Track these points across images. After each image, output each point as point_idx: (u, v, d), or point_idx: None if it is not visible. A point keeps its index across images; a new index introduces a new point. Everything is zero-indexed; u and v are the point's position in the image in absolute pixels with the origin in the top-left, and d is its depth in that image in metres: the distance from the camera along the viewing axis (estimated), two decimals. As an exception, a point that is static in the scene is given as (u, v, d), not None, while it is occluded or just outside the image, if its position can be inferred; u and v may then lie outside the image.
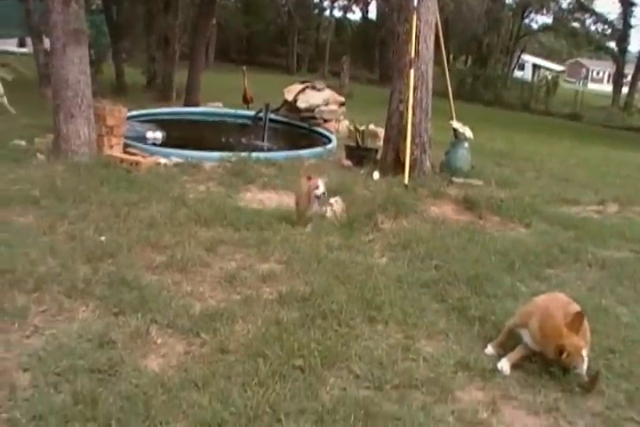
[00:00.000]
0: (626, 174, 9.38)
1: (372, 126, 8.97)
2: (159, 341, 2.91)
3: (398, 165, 6.70)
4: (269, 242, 4.32)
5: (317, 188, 4.68)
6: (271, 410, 2.43)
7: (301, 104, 9.78)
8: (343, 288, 3.64)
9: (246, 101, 10.97)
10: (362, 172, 6.89)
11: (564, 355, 2.78)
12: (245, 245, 4.27)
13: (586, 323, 2.96)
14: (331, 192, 5.65)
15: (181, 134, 8.84)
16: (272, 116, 9.48)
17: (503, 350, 3.05)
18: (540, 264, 4.45)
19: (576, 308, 2.96)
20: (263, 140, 8.82)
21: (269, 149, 8.31)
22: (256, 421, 2.37)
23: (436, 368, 2.89)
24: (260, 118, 9.28)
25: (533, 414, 2.66)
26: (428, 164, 6.94)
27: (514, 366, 2.95)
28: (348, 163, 7.45)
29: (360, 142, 7.85)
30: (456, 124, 7.40)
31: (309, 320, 3.19)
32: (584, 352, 2.80)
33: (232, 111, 10.63)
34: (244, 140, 8.88)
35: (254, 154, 7.02)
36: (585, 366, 2.83)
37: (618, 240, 5.26)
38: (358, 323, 3.25)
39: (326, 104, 9.89)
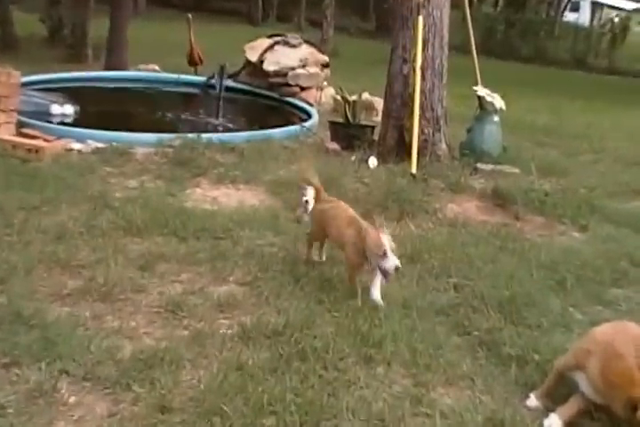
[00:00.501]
0: None
1: (366, 96, 9.01)
2: (72, 400, 2.86)
3: (403, 149, 6.75)
4: (228, 256, 4.33)
5: (304, 194, 5.00)
6: (232, 490, 2.42)
7: (269, 66, 9.78)
8: (329, 317, 3.65)
9: (193, 63, 10.96)
10: (353, 158, 6.92)
11: (636, 415, 2.75)
12: (194, 260, 4.27)
13: None
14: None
15: (102, 109, 8.81)
16: (229, 83, 9.47)
17: (551, 401, 3.06)
18: (601, 282, 4.51)
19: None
20: (217, 117, 8.83)
21: (226, 129, 8.30)
22: None
23: (458, 427, 2.89)
24: (213, 86, 9.28)
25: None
26: (443, 145, 6.99)
27: (567, 425, 2.95)
28: (334, 146, 7.47)
29: (350, 118, 7.87)
30: (482, 90, 7.44)
31: (284, 363, 3.18)
32: None
33: (173, 77, 10.60)
34: (190, 116, 8.85)
35: (205, 135, 7.00)
36: None
37: None
38: (351, 365, 3.25)
39: (303, 66, 9.91)
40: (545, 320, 3.82)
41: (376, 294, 3.90)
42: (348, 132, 7.66)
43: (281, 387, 2.98)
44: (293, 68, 9.81)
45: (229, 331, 3.48)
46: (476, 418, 2.95)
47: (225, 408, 2.80)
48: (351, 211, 4.27)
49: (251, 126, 8.28)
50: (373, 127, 7.74)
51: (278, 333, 3.45)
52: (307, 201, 5.01)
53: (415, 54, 6.69)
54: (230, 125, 8.58)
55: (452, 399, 3.11)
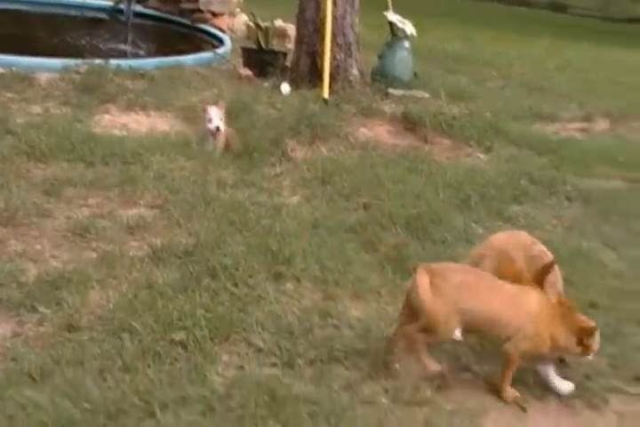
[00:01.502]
0: (622, 81, 9.82)
1: (279, 22, 8.81)
2: (-27, 322, 2.81)
3: (315, 74, 6.67)
4: (137, 180, 4.26)
5: (210, 121, 4.82)
6: (141, 402, 2.44)
7: (180, -8, 9.43)
8: (240, 237, 3.66)
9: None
10: (266, 84, 6.83)
11: None
12: (103, 185, 4.19)
13: (557, 271, 3.11)
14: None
15: (1, 33, 8.33)
16: (138, 8, 9.11)
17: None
18: (503, 200, 4.64)
19: (542, 249, 3.10)
20: (126, 43, 8.48)
21: (135, 55, 8.02)
22: (120, 417, 2.37)
23: (365, 336, 2.97)
24: (121, 11, 8.93)
25: (492, 390, 2.79)
26: (355, 71, 6.94)
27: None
28: (247, 72, 7.32)
29: (263, 44, 7.70)
30: (393, 16, 7.36)
31: (194, 281, 3.20)
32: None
33: (78, 1, 10.11)
34: (97, 42, 8.49)
35: (114, 61, 6.75)
36: None
37: (607, 166, 5.55)
38: (261, 281, 3.28)
39: (216, -9, 9.59)
40: (449, 235, 3.95)
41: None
42: (260, 59, 7.49)
43: (191, 304, 2.99)
44: (205, -6, 9.49)
45: (139, 252, 3.46)
46: (381, 327, 3.04)
47: (134, 325, 2.80)
48: None
49: (161, 53, 8.02)
50: (286, 53, 7.60)
51: (189, 253, 3.45)
52: (217, 127, 4.87)
53: (327, -20, 6.57)
54: (140, 52, 8.28)
55: (360, 311, 3.19)
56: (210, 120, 4.87)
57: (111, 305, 2.97)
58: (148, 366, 2.60)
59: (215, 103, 5.09)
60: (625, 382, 2.92)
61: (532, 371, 2.88)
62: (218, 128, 4.88)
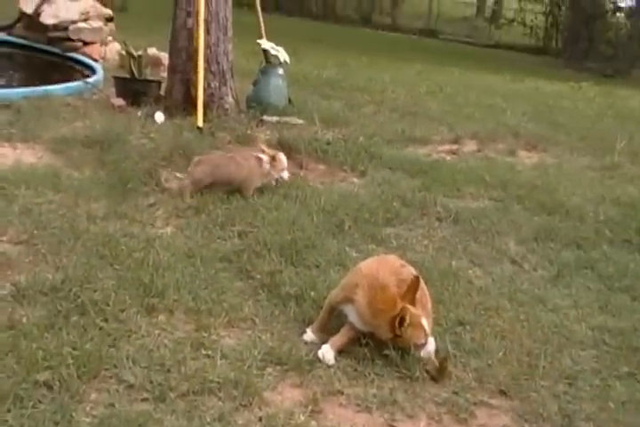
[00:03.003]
0: (489, 104, 10.26)
1: (153, 51, 8.79)
2: None
3: (189, 103, 6.67)
4: (1, 215, 4.12)
5: (283, 170, 5.07)
6: (2, 449, 2.33)
7: (48, 19, 9.12)
8: (111, 271, 3.60)
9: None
10: (140, 113, 6.75)
11: (401, 329, 2.98)
12: (-39, 222, 4.01)
13: (425, 290, 3.21)
14: (93, 142, 5.52)
15: None
16: (2, 36, 8.87)
17: (326, 334, 3.20)
18: (376, 223, 4.75)
19: (411, 272, 3.19)
20: (-11, 73, 8.23)
21: None
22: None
23: (238, 365, 2.96)
24: (-16, 39, 8.65)
25: (365, 411, 2.83)
26: (230, 99, 6.98)
27: (339, 353, 3.12)
28: (120, 102, 7.21)
29: (136, 73, 7.62)
30: (266, 44, 7.49)
31: (61, 318, 3.11)
32: (425, 325, 3.03)
33: None
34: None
35: (-24, 92, 6.53)
36: (431, 346, 3.08)
37: (475, 187, 5.78)
38: (132, 315, 3.23)
39: (85, 19, 9.38)
40: (322, 260, 3.99)
41: None
42: (133, 88, 7.41)
43: (57, 342, 2.90)
44: (74, 22, 9.24)
45: (1, 291, 3.32)
46: (255, 355, 3.04)
47: (-7, 367, 2.68)
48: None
49: (28, 83, 7.78)
50: (160, 82, 7.55)
51: (56, 289, 3.34)
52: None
53: (198, 8, 6.57)
54: (4, 82, 8.03)
55: (233, 340, 3.18)
56: (283, 169, 5.03)
57: (-35, 350, 2.82)
58: (8, 411, 2.49)
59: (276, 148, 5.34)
60: (490, 396, 3.03)
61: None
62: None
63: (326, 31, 22.11)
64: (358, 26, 26.89)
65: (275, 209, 4.69)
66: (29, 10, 9.21)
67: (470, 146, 7.26)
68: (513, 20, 29.65)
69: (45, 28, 9.13)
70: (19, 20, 9.41)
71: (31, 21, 9.22)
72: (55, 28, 9.14)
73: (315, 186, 5.36)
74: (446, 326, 3.48)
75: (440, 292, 3.78)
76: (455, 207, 5.22)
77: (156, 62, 8.59)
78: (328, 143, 6.08)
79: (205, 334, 3.17)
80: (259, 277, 3.76)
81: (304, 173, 5.66)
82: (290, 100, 7.45)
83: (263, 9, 8.21)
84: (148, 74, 7.85)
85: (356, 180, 5.69)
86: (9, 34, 9.25)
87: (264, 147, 5.09)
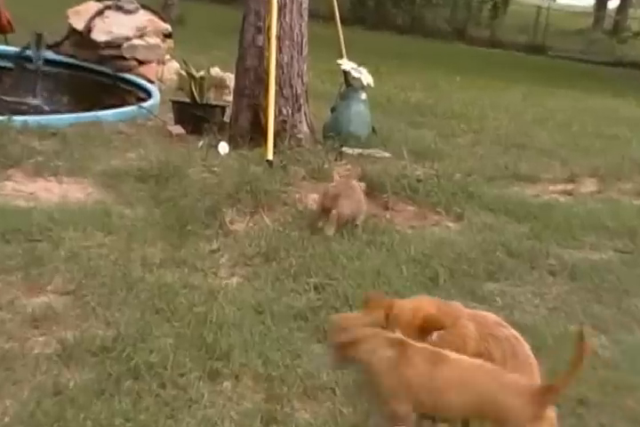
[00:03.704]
0: (611, 134, 10.13)
1: (216, 71, 9.00)
2: None
3: (258, 131, 6.81)
4: (45, 261, 4.24)
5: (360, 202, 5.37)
6: None
7: (99, 36, 9.52)
8: (168, 328, 3.65)
9: (1, 30, 10.49)
10: (200, 143, 6.92)
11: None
12: (3, 268, 4.14)
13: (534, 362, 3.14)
14: (147, 176, 5.66)
15: None
16: (49, 54, 9.22)
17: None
18: (476, 276, 4.73)
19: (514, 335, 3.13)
20: (35, 96, 8.58)
21: (45, 110, 8.08)
22: None
23: (317, 445, 2.98)
24: (30, 58, 9.00)
25: None
26: (304, 127, 7.12)
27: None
28: (178, 130, 7.45)
29: (197, 97, 7.86)
30: (347, 64, 7.64)
31: (112, 383, 3.16)
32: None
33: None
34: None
35: (19, 118, 6.80)
36: None
37: (595, 235, 5.69)
38: (193, 381, 3.26)
39: (141, 36, 9.76)
40: (413, 320, 3.98)
41: None
42: (194, 114, 7.65)
43: (108, 411, 2.95)
44: (129, 39, 9.60)
45: (46, 350, 3.40)
46: (336, 433, 3.05)
47: (37, 442, 2.76)
48: None
49: (77, 107, 8.10)
50: (224, 107, 7.75)
51: (107, 349, 3.41)
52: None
53: (270, 23, 6.72)
54: (50, 106, 8.37)
55: (310, 414, 3.18)
56: (360, 201, 5.30)
57: (7, 418, 2.90)
58: None
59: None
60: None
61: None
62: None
63: (414, 46, 22.25)
64: (451, 40, 26.97)
65: (357, 258, 4.72)
66: (79, 25, 9.60)
67: (589, 185, 7.18)
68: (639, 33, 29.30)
69: (97, 45, 9.50)
70: (67, 37, 9.80)
71: (81, 38, 9.61)
72: (107, 45, 9.51)
73: (403, 231, 5.38)
74: (566, 405, 3.37)
75: (556, 363, 3.70)
76: (571, 259, 5.16)
77: (220, 84, 8.80)
78: (418, 180, 6.10)
79: (277, 406, 3.18)
80: (339, 338, 3.77)
81: (390, 214, 5.69)
82: (373, 129, 7.53)
83: (342, 21, 8.39)
84: (211, 98, 8.08)
85: (451, 224, 5.69)
86: (57, 52, 9.60)
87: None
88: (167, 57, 10.09)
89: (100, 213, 5.07)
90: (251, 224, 5.19)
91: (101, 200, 5.43)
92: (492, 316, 3.30)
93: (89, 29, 9.57)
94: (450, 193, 6.05)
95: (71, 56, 9.74)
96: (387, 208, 5.78)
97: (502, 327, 3.17)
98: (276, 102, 6.73)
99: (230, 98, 7.80)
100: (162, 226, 5.02)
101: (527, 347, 3.08)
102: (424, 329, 3.02)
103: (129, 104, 8.24)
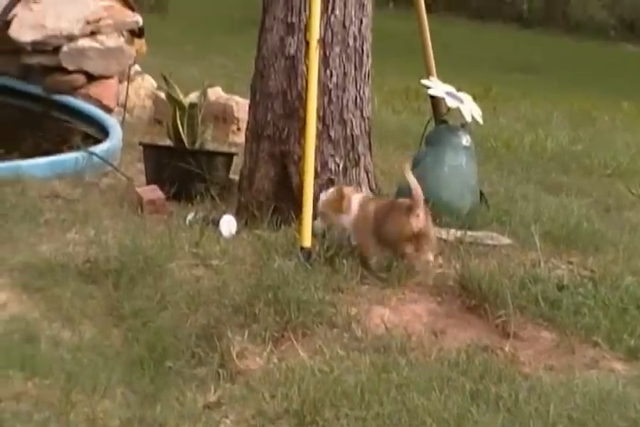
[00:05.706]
0: None
1: (217, 92, 9.12)
2: None
3: (287, 198, 6.91)
4: None
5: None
6: None
7: (23, 33, 9.69)
8: None
9: None
10: (190, 217, 6.98)
11: None
12: None
13: None
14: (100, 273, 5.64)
15: None
16: None
17: None
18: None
19: None
20: None
21: None
22: None
23: None
24: None
25: None
26: (365, 191, 7.04)
27: None
28: (153, 193, 7.44)
29: (186, 138, 7.89)
30: (439, 86, 7.56)
31: None
32: None
33: None
34: None
35: None
36: None
37: None
38: None
39: (93, 33, 9.90)
40: None
41: None
42: (180, 167, 7.65)
43: None
44: (72, 38, 9.76)
45: None
46: None
47: None
48: None
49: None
50: (231, 156, 7.76)
51: None
52: None
53: (310, 18, 6.75)
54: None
55: None
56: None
57: None
58: None
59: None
60: None
61: None
62: None
63: (549, 49, 22.43)
64: (614, 39, 27.22)
65: (457, 420, 4.58)
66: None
67: None
68: None
69: (19, 48, 9.63)
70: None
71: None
72: (37, 48, 9.60)
73: (534, 375, 5.26)
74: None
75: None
76: None
77: (224, 116, 8.85)
78: (560, 287, 6.02)
79: None
80: None
81: (512, 346, 5.58)
82: (482, 196, 7.45)
83: (429, 10, 8.19)
84: (209, 139, 8.07)
85: (619, 366, 5.54)
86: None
87: None
88: (136, 68, 10.19)
89: (18, 339, 5.05)
90: (274, 360, 5.13)
91: (21, 315, 5.41)
92: None
93: (6, 22, 9.69)
94: (616, 310, 5.92)
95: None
96: (506, 335, 5.67)
97: None
98: (317, 150, 6.74)
99: (241, 140, 7.80)
100: (124, 361, 5.02)
101: None
102: None
103: (70, 148, 8.23)
